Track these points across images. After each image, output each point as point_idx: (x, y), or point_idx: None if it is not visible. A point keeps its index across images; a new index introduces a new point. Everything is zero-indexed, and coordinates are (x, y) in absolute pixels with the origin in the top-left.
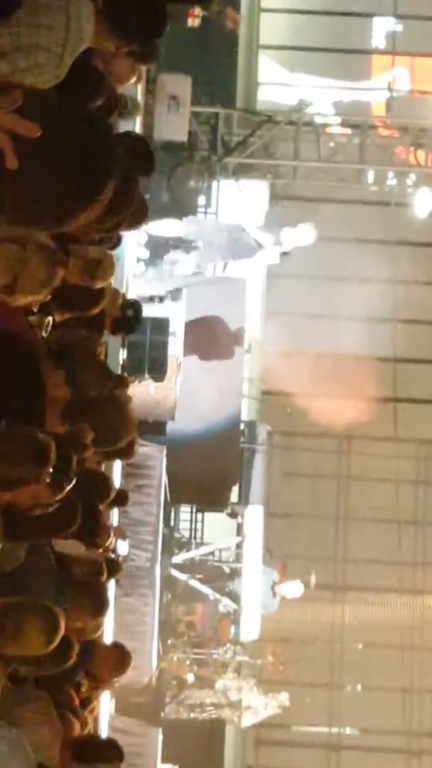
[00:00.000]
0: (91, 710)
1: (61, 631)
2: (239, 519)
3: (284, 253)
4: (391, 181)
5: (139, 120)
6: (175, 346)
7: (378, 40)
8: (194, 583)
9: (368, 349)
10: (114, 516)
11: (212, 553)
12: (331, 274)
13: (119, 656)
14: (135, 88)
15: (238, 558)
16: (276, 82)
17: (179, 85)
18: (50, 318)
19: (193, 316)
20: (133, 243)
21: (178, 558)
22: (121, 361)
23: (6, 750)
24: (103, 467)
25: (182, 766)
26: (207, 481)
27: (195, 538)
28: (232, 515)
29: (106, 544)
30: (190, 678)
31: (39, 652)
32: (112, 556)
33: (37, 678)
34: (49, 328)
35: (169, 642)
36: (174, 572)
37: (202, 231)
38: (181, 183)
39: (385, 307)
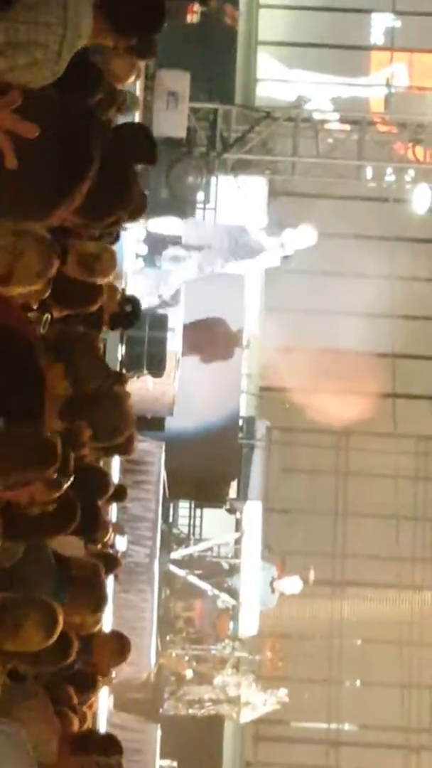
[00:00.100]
0: (90, 706)
1: (60, 626)
2: (238, 515)
3: (286, 257)
4: (390, 177)
5: (137, 116)
6: (174, 341)
7: (376, 36)
8: (193, 579)
9: (367, 345)
10: (113, 512)
11: (211, 548)
12: (330, 270)
13: (118, 644)
14: (134, 84)
15: (236, 554)
16: (274, 78)
17: (178, 81)
18: (48, 315)
19: (192, 312)
20: (131, 239)
21: (177, 554)
22: (119, 357)
23: (6, 744)
24: (101, 463)
25: (181, 761)
26: (205, 477)
27: (193, 533)
28: (231, 511)
29: (105, 540)
30: (189, 674)
31: (38, 648)
32: (111, 551)
33: (36, 675)
34: (48, 325)
35: (168, 638)
36: (172, 568)
37: (203, 234)
38: (179, 179)
39: (384, 303)
